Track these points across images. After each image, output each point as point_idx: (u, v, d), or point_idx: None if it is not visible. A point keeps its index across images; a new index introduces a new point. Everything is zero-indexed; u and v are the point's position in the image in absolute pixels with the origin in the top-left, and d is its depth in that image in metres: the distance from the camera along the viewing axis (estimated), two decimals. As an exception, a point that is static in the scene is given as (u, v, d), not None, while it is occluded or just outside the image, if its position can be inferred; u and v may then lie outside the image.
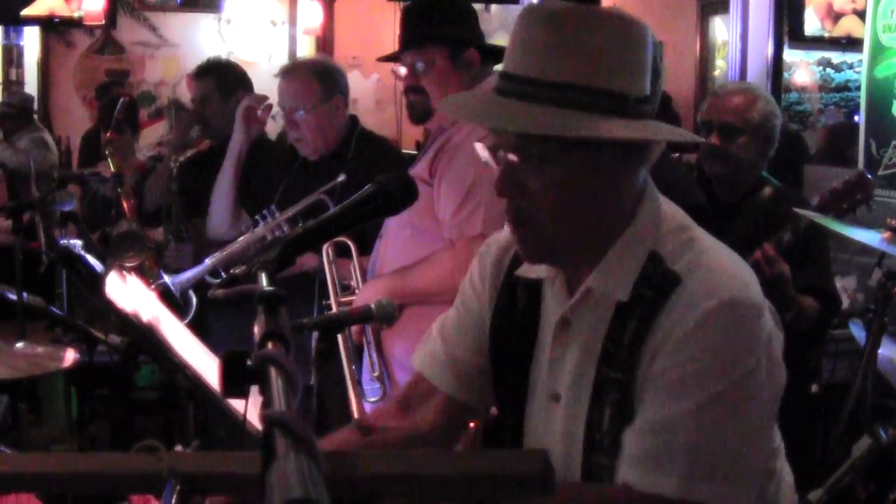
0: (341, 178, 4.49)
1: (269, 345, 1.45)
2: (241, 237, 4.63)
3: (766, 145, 4.48)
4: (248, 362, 1.42)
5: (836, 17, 10.29)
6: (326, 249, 4.21)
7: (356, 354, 4.06)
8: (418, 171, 3.99)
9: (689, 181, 4.36)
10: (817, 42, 10.35)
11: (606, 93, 1.98)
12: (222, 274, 4.58)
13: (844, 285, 6.01)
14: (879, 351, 3.97)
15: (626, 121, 2.00)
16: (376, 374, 4.03)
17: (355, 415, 3.84)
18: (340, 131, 4.81)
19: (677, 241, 2.09)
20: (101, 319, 4.81)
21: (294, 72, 4.86)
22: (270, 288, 1.65)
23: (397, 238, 4.06)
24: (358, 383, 3.96)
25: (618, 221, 2.10)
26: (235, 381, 1.45)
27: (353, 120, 4.92)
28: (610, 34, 2.02)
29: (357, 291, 4.17)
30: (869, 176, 4.16)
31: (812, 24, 10.14)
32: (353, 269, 4.21)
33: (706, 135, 4.40)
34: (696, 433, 1.97)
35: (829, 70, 11.09)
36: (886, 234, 3.78)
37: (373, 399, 4.02)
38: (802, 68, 11.01)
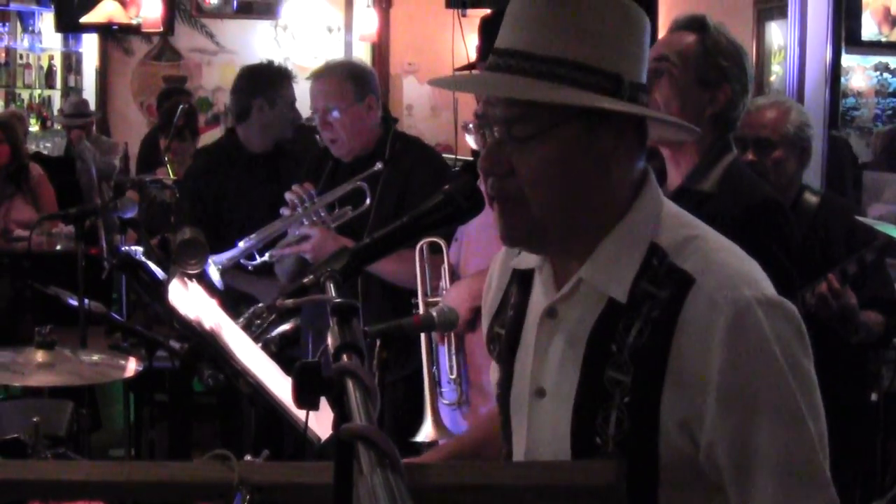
0: (378, 166, 4.60)
1: (345, 357, 1.45)
2: (278, 220, 4.65)
3: (803, 156, 4.45)
4: (323, 374, 1.43)
5: (894, 21, 10.21)
6: (421, 248, 4.16)
7: (436, 355, 4.05)
8: None
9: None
10: (874, 47, 10.28)
11: (600, 71, 1.90)
12: (257, 256, 4.65)
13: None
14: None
15: (621, 101, 1.91)
16: (454, 376, 4.01)
17: (429, 415, 3.85)
18: (374, 132, 4.82)
19: (680, 235, 1.97)
20: (159, 325, 4.83)
21: (327, 73, 4.90)
22: (343, 299, 1.63)
23: (480, 239, 4.02)
24: (437, 384, 3.96)
25: (610, 211, 1.99)
26: (309, 392, 1.45)
27: (388, 121, 4.95)
28: (608, 15, 1.93)
29: (444, 292, 4.12)
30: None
31: (869, 28, 10.06)
32: (443, 269, 4.16)
33: (741, 151, 4.35)
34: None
35: (885, 75, 10.98)
36: None
37: (448, 401, 4.00)
38: (859, 73, 10.90)
